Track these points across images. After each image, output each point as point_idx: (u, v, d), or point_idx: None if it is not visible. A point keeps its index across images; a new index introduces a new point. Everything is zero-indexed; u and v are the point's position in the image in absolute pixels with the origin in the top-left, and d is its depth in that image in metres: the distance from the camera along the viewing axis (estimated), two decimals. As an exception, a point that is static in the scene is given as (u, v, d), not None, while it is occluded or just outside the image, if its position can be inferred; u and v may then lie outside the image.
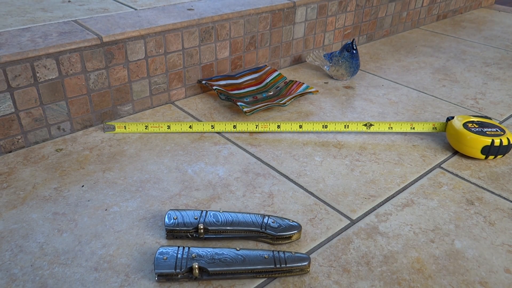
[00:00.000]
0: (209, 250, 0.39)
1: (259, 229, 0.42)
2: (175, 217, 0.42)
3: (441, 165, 0.56)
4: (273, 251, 0.39)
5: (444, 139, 0.61)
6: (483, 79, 0.83)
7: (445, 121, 0.61)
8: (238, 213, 0.43)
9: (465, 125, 0.57)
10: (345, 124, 0.61)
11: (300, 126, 0.61)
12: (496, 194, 0.51)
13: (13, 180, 0.50)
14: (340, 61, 0.78)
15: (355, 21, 0.94)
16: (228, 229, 0.42)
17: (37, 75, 0.53)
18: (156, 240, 0.42)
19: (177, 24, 0.64)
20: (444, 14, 1.23)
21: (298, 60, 0.87)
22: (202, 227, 0.41)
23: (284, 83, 0.73)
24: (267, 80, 0.75)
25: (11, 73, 0.51)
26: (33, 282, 0.37)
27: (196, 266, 0.37)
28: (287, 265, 0.38)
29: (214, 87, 0.68)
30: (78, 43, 0.55)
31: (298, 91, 0.70)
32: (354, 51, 0.77)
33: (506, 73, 0.86)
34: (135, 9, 0.70)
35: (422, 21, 1.16)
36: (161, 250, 0.39)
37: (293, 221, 0.43)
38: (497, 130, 0.56)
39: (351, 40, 0.78)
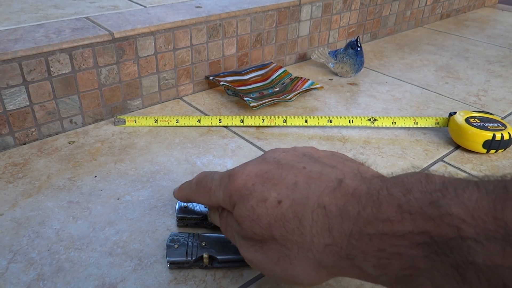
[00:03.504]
0: (218, 238, 0.40)
1: (267, 217, 0.43)
2: (185, 206, 0.44)
3: (444, 159, 0.57)
4: (280, 238, 0.41)
5: (447, 134, 0.63)
6: (486, 76, 0.84)
7: (447, 116, 0.62)
8: (246, 202, 0.45)
9: (467, 120, 0.58)
10: (349, 119, 0.62)
11: (306, 121, 0.62)
12: (497, 187, 0.52)
13: (28, 171, 0.52)
14: (344, 59, 0.79)
15: (359, 19, 0.95)
16: (236, 217, 0.43)
17: (51, 69, 0.55)
18: (167, 228, 0.44)
19: (185, 21, 0.65)
20: (448, 13, 1.24)
21: (303, 58, 0.88)
22: (211, 214, 0.43)
23: (290, 79, 0.75)
24: (273, 77, 0.76)
25: (27, 67, 0.53)
26: (50, 265, 0.39)
27: (206, 256, 0.39)
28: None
29: (221, 83, 0.70)
30: (90, 38, 0.57)
31: (303, 87, 0.71)
32: (359, 49, 0.78)
33: (509, 71, 0.87)
34: (145, 7, 0.72)
35: (425, 20, 1.17)
36: (172, 237, 0.40)
37: (299, 210, 0.44)
38: (498, 125, 0.58)
39: (356, 38, 0.79)
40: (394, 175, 0.27)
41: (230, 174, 0.33)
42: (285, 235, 0.29)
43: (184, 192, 0.41)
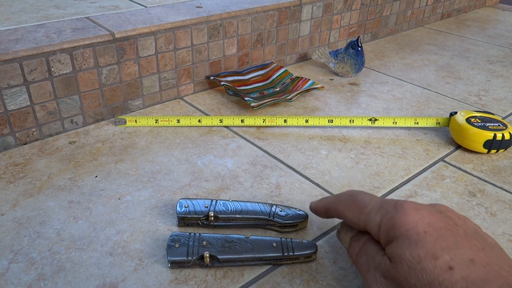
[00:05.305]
0: (219, 238, 0.40)
1: (267, 217, 0.43)
2: (186, 206, 0.44)
3: (444, 159, 0.57)
4: (280, 238, 0.41)
5: (447, 134, 0.63)
6: (487, 76, 0.84)
7: (448, 116, 0.62)
8: (247, 202, 0.45)
9: (468, 120, 0.58)
10: (350, 119, 0.62)
11: (306, 121, 0.62)
12: (497, 187, 0.52)
13: (29, 171, 0.52)
14: (345, 58, 0.79)
15: (360, 19, 0.95)
16: (237, 217, 0.43)
17: (52, 69, 0.55)
18: (168, 228, 0.44)
19: (186, 21, 0.65)
20: (449, 13, 1.24)
21: (304, 58, 0.88)
22: (212, 214, 0.43)
23: (290, 79, 0.75)
24: (274, 77, 0.76)
25: (27, 67, 0.53)
26: (51, 265, 0.39)
27: (207, 254, 0.39)
28: (294, 253, 0.40)
29: (222, 83, 0.70)
30: (91, 38, 0.57)
31: (304, 87, 0.71)
32: (359, 49, 0.78)
33: (510, 71, 0.87)
34: (145, 7, 0.72)
35: (426, 20, 1.17)
36: (173, 237, 0.40)
37: (300, 210, 0.44)
38: (499, 125, 0.58)
39: (356, 38, 0.79)
40: None
41: (397, 205, 0.32)
42: None
43: (326, 201, 0.39)
